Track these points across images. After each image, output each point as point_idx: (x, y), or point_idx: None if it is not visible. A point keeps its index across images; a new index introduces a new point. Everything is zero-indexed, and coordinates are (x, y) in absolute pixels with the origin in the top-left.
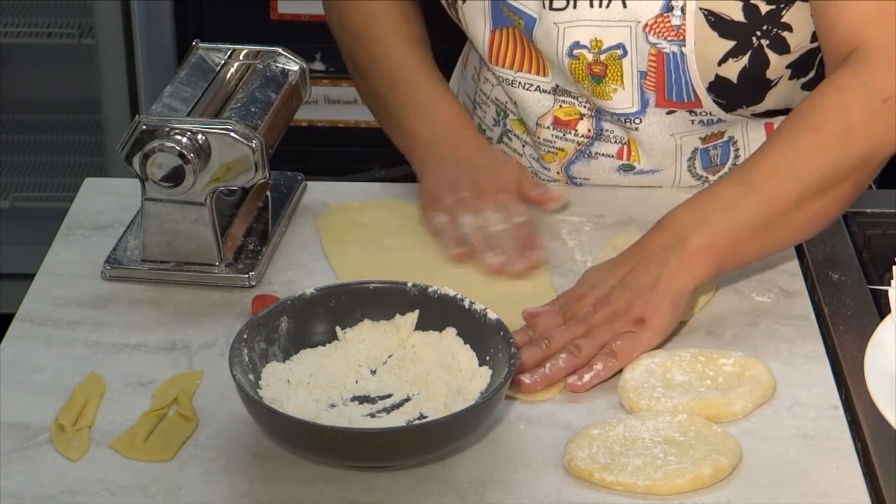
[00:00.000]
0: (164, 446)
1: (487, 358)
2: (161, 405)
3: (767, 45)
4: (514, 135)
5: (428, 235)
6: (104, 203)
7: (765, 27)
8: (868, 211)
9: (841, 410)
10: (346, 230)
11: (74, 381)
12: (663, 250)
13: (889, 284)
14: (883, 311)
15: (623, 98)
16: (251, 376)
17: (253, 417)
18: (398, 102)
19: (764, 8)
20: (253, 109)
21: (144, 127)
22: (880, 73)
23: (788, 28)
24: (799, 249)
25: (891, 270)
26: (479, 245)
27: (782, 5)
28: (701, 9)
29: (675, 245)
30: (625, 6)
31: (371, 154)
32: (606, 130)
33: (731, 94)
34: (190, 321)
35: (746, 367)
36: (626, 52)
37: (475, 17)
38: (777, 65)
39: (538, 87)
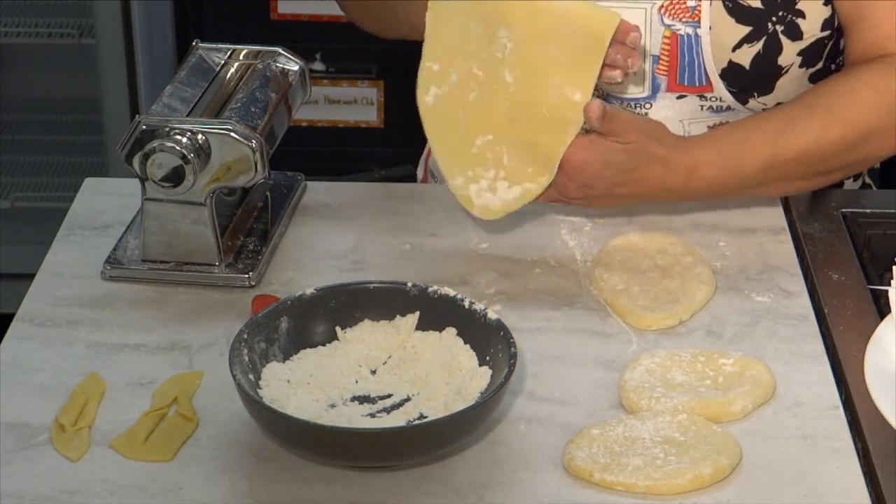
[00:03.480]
0: (164, 446)
1: (487, 358)
2: (161, 405)
3: (782, 31)
4: None
5: None
6: (104, 203)
7: (780, 13)
8: (868, 211)
9: (841, 410)
10: None
11: (74, 381)
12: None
13: (889, 284)
14: (883, 311)
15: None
16: (251, 376)
17: (253, 417)
18: None
19: None
20: (253, 109)
21: (144, 127)
22: None
23: (802, 15)
24: (799, 249)
25: (891, 270)
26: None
27: None
28: None
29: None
30: None
31: (371, 154)
32: None
33: (743, 81)
34: (190, 321)
35: (746, 367)
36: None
37: None
38: (789, 52)
39: None
